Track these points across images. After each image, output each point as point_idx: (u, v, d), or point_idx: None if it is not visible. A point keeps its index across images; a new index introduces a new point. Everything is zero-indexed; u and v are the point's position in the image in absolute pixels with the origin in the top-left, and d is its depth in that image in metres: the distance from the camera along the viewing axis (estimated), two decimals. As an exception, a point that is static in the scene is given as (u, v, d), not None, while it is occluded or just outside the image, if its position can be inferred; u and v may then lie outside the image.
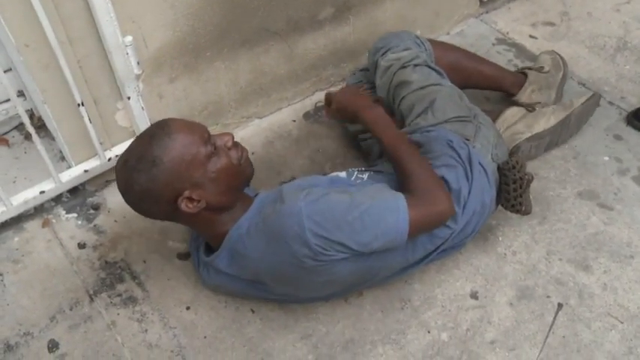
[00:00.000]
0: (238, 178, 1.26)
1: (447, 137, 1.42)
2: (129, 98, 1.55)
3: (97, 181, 1.69)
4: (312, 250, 1.13)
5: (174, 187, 1.16)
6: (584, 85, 1.98)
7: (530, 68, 1.86)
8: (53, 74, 1.41)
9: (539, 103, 1.77)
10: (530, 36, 2.20)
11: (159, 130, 1.18)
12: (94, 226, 1.62)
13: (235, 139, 1.26)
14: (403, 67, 1.58)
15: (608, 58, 2.07)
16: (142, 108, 1.59)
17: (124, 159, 1.19)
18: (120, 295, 1.46)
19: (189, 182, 1.17)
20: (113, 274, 1.50)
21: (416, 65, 1.58)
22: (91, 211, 1.65)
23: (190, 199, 1.18)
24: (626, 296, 1.41)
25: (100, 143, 1.58)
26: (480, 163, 1.38)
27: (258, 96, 1.84)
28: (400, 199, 1.20)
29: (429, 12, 2.09)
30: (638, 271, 1.46)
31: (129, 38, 1.46)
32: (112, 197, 1.67)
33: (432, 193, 1.25)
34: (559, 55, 1.90)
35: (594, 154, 1.74)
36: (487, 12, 2.31)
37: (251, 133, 1.86)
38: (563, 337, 1.35)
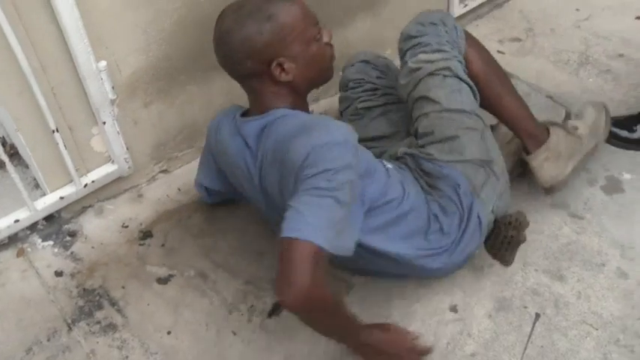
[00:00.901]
0: (324, 73, 1.33)
1: (457, 181, 1.39)
2: (104, 123, 1.55)
3: (73, 207, 1.67)
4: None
5: (274, 49, 1.20)
6: (551, 98, 2.03)
7: (561, 124, 1.61)
8: (26, 101, 1.41)
9: (549, 176, 1.57)
10: (498, 51, 2.26)
11: None
12: (71, 253, 1.60)
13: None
14: (432, 74, 1.44)
15: (572, 72, 2.13)
16: (118, 133, 1.59)
17: (240, 4, 1.21)
18: (99, 322, 1.45)
19: (289, 52, 1.22)
20: (92, 302, 1.49)
21: (446, 76, 1.44)
22: (68, 239, 1.63)
23: (282, 67, 1.22)
24: (599, 303, 1.45)
25: (76, 169, 1.57)
26: (478, 216, 1.38)
27: (233, 118, 1.86)
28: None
29: (400, 30, 2.13)
30: (609, 278, 1.50)
31: (103, 64, 1.47)
32: (89, 224, 1.66)
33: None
34: (606, 113, 1.67)
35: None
36: (455, 29, 2.37)
37: (227, 154, 1.87)
38: (542, 346, 1.37)
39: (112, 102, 1.54)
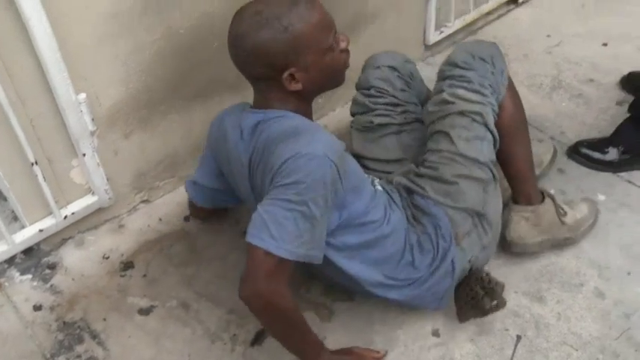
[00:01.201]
0: (336, 79, 1.31)
1: (440, 222, 1.39)
2: (84, 155, 1.55)
3: (53, 240, 1.66)
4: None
5: (288, 59, 1.19)
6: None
7: (555, 202, 1.60)
8: (4, 133, 1.41)
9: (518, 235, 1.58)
10: (473, 77, 2.31)
11: (303, 1, 1.19)
12: (51, 286, 1.58)
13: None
14: (462, 113, 1.41)
15: (546, 96, 2.19)
16: (98, 164, 1.59)
17: (258, 9, 1.18)
18: (79, 356, 1.43)
19: (302, 62, 1.20)
20: (72, 335, 1.47)
21: (475, 120, 1.41)
22: (47, 271, 1.62)
23: (293, 77, 1.21)
24: (579, 324, 1.47)
25: (55, 202, 1.56)
26: (452, 261, 1.39)
27: (214, 146, 1.86)
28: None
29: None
30: (587, 299, 1.52)
31: (82, 96, 1.47)
32: (69, 256, 1.64)
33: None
34: (594, 220, 1.66)
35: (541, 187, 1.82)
36: (432, 55, 2.41)
37: (208, 183, 1.87)
38: (524, 368, 1.39)
39: (92, 133, 1.54)
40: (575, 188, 1.82)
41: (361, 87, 1.66)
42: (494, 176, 1.45)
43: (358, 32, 2.05)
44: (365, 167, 1.54)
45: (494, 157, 1.46)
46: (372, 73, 1.64)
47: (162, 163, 1.77)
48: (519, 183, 1.58)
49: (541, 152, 1.82)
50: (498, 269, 1.59)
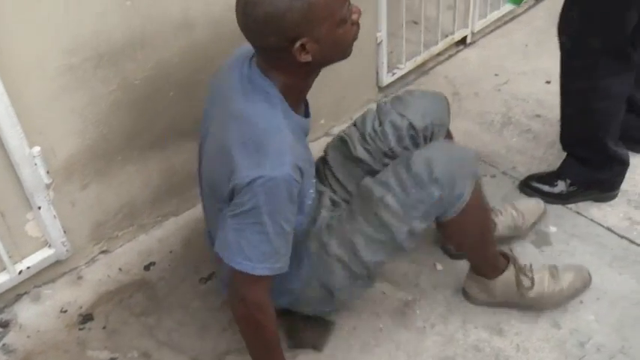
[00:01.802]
0: (344, 52, 1.24)
1: (303, 256, 1.40)
2: (39, 208, 1.53)
3: (6, 296, 1.62)
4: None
5: (300, 28, 1.12)
6: (479, 157, 2.14)
7: (519, 269, 1.55)
8: (-44, 191, 1.39)
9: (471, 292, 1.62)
10: (427, 117, 2.38)
11: None
12: (3, 345, 1.54)
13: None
14: (377, 215, 1.35)
15: (497, 133, 2.27)
16: (54, 216, 1.57)
17: None
18: (36, 416, 1.39)
19: (315, 33, 1.14)
20: (28, 395, 1.43)
21: (383, 229, 1.36)
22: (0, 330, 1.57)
23: (304, 48, 1.15)
24: (537, 355, 1.50)
25: (9, 256, 1.54)
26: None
27: (173, 195, 1.87)
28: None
29: (332, 100, 2.23)
30: (544, 329, 1.56)
31: (37, 149, 1.47)
32: (24, 312, 1.61)
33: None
34: (583, 286, 1.61)
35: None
36: (386, 96, 2.48)
37: (168, 232, 1.87)
38: (486, 402, 1.41)
39: (48, 186, 1.53)
40: (528, 221, 1.88)
41: (355, 128, 1.59)
42: (369, 278, 1.45)
43: (313, 76, 2.11)
44: (323, 173, 1.60)
45: (384, 259, 1.42)
46: (368, 125, 1.55)
47: (120, 213, 1.76)
48: (471, 261, 1.58)
49: (527, 211, 1.77)
50: (458, 305, 1.62)
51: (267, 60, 1.22)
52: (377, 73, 2.40)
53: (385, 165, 1.49)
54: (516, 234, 1.76)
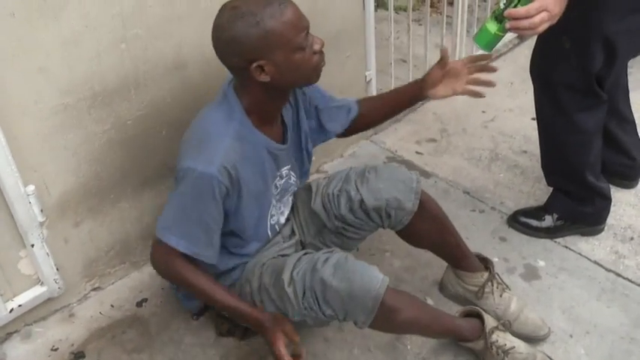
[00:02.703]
0: (305, 79, 1.38)
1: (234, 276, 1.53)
2: (32, 246, 1.54)
3: (-2, 334, 1.62)
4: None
5: (257, 51, 1.27)
6: (468, 193, 2.18)
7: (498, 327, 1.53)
8: (-50, 228, 1.40)
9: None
10: (417, 152, 2.42)
11: (277, 1, 1.27)
12: (-6, 384, 1.53)
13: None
14: (286, 292, 1.40)
15: (485, 168, 2.31)
16: (47, 254, 1.58)
17: (236, 5, 1.28)
18: None
19: (272, 57, 1.28)
20: None
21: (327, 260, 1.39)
22: (-10, 368, 1.57)
23: (262, 69, 1.29)
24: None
25: (1, 294, 1.54)
26: None
27: (165, 230, 1.88)
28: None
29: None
30: None
31: (31, 188, 1.49)
32: (14, 350, 1.60)
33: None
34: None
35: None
36: (376, 133, 2.53)
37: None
38: None
39: (41, 224, 1.55)
40: (517, 255, 1.90)
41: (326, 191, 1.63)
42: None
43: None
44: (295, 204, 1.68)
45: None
46: (351, 189, 1.58)
47: (113, 250, 1.77)
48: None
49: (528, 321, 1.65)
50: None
51: (237, 79, 1.38)
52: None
53: (337, 226, 1.62)
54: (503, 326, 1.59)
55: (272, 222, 1.54)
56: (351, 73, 2.30)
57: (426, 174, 2.28)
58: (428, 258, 1.80)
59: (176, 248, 1.35)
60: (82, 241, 1.69)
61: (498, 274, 1.70)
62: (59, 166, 1.55)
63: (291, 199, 1.64)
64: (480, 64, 1.59)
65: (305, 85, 1.46)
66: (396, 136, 2.53)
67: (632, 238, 1.93)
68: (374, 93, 2.42)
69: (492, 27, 1.35)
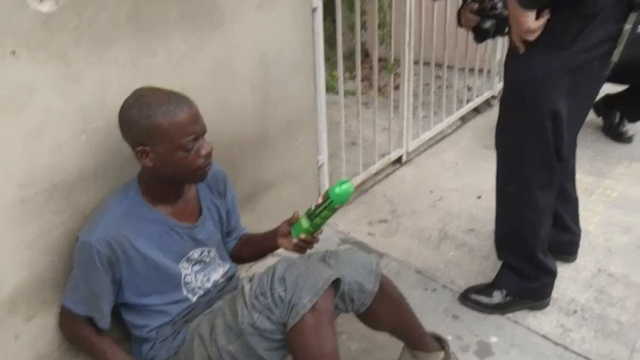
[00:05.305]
0: (188, 175, 1.48)
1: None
2: (-20, 344, 1.49)
3: None
4: None
5: (144, 138, 1.40)
6: (420, 273, 2.25)
7: None
8: None
9: None
10: (369, 233, 2.50)
11: (178, 99, 1.41)
12: None
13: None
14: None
15: (435, 248, 2.40)
16: (-4, 352, 1.53)
17: (143, 94, 1.42)
18: None
19: (155, 147, 1.41)
20: None
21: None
22: None
23: (146, 154, 1.42)
24: None
25: (-55, 397, 1.46)
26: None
27: (119, 323, 1.84)
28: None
29: (277, 222, 2.30)
30: None
31: (-18, 285, 1.45)
32: None
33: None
34: None
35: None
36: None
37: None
38: None
39: (-9, 320, 1.50)
40: (470, 332, 1.96)
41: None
42: None
43: (257, 199, 2.21)
44: None
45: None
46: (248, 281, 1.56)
47: (64, 344, 1.71)
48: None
49: None
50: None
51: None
52: (319, 191, 2.53)
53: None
54: None
55: (189, 287, 1.62)
56: (304, 159, 2.39)
57: (378, 255, 2.34)
58: (383, 340, 1.83)
59: (75, 312, 1.51)
60: (33, 336, 1.63)
61: (454, 353, 1.74)
62: (14, 259, 1.52)
63: (227, 266, 1.71)
64: (309, 238, 1.63)
65: (190, 182, 1.58)
66: (349, 218, 2.60)
67: (575, 311, 2.03)
68: (326, 178, 2.51)
69: (305, 223, 1.56)
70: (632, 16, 1.60)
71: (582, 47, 1.63)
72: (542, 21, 1.61)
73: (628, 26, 1.61)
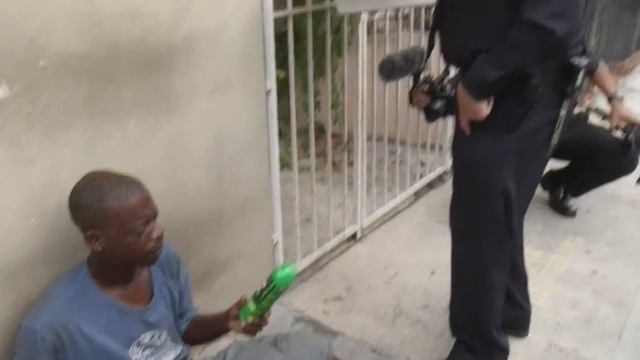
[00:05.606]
0: (139, 259, 1.46)
1: None
2: None
3: None
4: None
5: (95, 222, 1.39)
6: (375, 351, 2.23)
7: None
8: None
9: None
10: (324, 312, 2.48)
11: (129, 183, 1.42)
12: None
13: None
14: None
15: (390, 325, 2.40)
16: None
17: (96, 177, 1.42)
18: None
19: (105, 231, 1.39)
20: None
21: None
22: None
23: (96, 238, 1.40)
24: None
25: None
26: None
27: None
28: None
29: (230, 301, 2.28)
30: None
31: None
32: None
33: None
34: None
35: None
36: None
37: None
38: None
39: None
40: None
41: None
42: None
43: (212, 279, 2.18)
44: None
45: None
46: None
47: None
48: None
49: None
50: None
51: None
52: (274, 265, 2.52)
53: None
54: None
55: None
56: (258, 238, 2.40)
57: (333, 333, 2.33)
58: None
59: None
60: None
61: None
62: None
63: (179, 349, 1.66)
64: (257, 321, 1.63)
65: (140, 266, 1.56)
66: (303, 297, 2.59)
67: (529, 389, 2.04)
68: (281, 256, 2.51)
69: (252, 306, 1.56)
70: (566, 103, 1.73)
71: (526, 131, 1.73)
72: (491, 106, 1.72)
73: (563, 112, 1.73)
